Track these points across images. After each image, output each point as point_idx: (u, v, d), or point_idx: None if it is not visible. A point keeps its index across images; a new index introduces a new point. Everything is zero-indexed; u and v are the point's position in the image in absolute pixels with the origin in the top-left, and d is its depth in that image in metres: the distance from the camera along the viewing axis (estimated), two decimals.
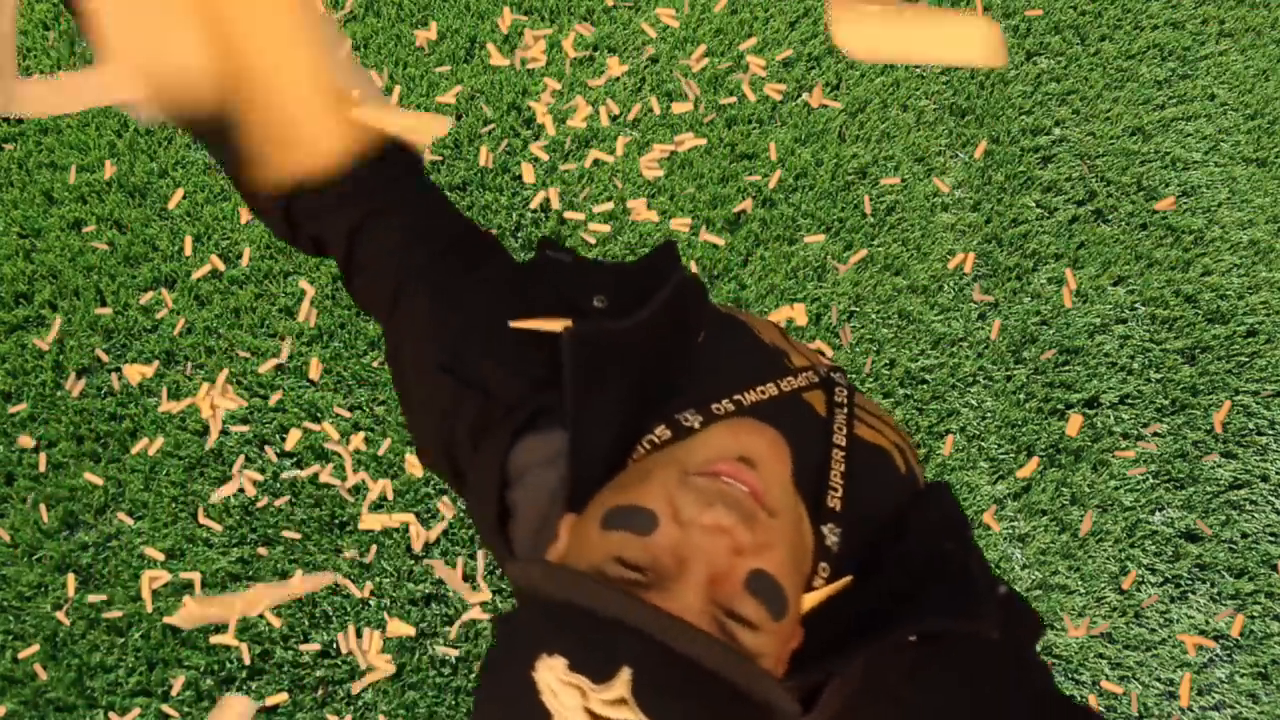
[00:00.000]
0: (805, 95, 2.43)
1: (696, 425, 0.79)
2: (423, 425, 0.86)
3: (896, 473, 0.85)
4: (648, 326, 0.81)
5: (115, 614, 2.02)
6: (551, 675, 0.56)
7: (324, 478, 2.10)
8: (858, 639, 0.69)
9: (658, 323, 0.82)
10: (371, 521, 2.07)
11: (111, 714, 1.97)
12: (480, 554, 2.07)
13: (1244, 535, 2.12)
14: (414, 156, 0.92)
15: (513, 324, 0.82)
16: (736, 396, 0.82)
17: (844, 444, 0.82)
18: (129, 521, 2.07)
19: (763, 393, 0.83)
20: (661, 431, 0.78)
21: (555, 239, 0.89)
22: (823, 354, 0.84)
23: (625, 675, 0.55)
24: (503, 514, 0.80)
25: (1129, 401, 2.20)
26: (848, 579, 0.76)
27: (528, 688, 0.57)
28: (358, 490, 2.10)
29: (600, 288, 0.85)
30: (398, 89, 2.38)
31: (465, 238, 0.91)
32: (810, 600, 0.74)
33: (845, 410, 0.85)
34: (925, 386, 2.20)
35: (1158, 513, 2.13)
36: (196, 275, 2.23)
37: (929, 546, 0.78)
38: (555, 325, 0.80)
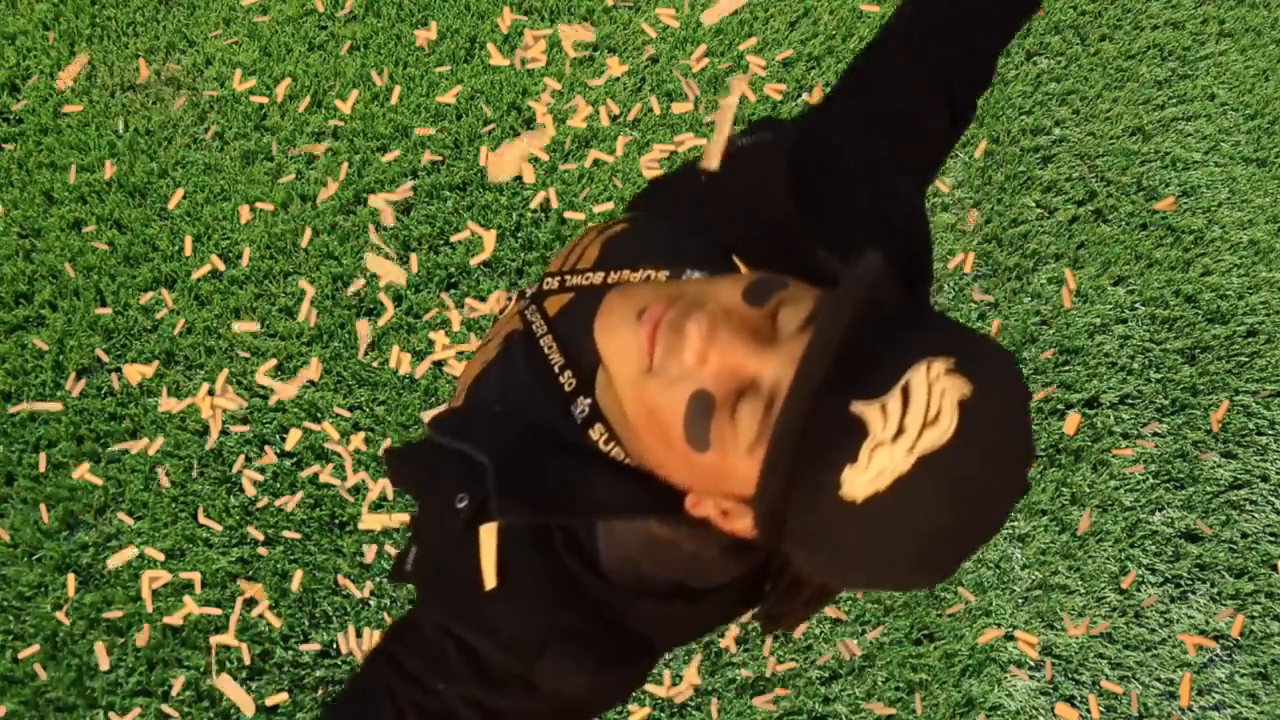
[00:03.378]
0: (805, 95, 2.43)
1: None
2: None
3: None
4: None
5: (115, 614, 2.02)
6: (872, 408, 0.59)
7: (324, 478, 2.10)
8: None
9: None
10: (371, 521, 2.07)
11: (111, 714, 1.97)
12: None
13: (1244, 535, 2.12)
14: None
15: None
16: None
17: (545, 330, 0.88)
18: (129, 521, 2.07)
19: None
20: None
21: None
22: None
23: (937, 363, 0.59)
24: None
25: (1129, 401, 2.20)
26: None
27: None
28: (358, 490, 2.10)
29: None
30: (398, 89, 2.38)
31: None
32: None
33: (533, 307, 0.91)
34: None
35: (1158, 513, 2.13)
36: (196, 275, 2.23)
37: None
38: None
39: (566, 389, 0.82)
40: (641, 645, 0.80)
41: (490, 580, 0.77)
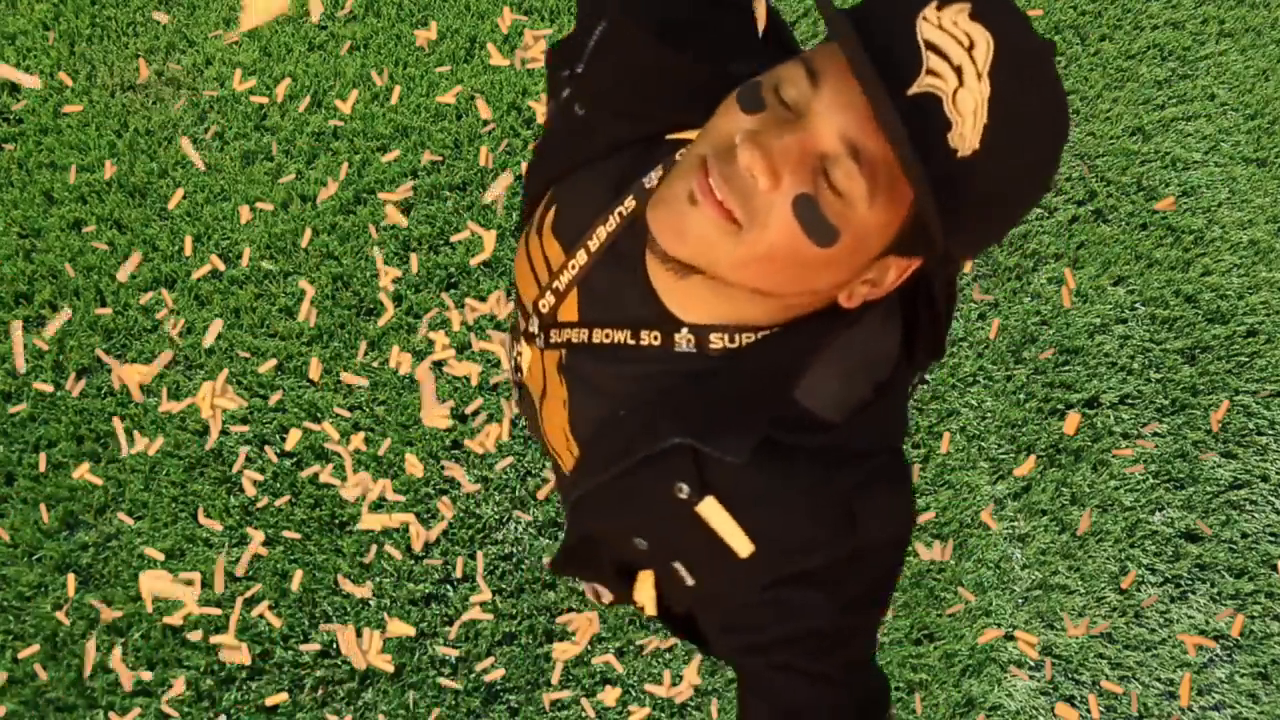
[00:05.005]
0: None
1: None
2: None
3: None
4: None
5: (115, 614, 2.02)
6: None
7: (324, 478, 2.10)
8: None
9: None
10: (371, 521, 2.07)
11: (111, 714, 1.97)
12: (479, 554, 2.07)
13: (1244, 535, 2.12)
14: None
15: None
16: None
17: None
18: (129, 521, 2.07)
19: None
20: None
21: None
22: None
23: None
24: None
25: (1129, 401, 2.20)
26: None
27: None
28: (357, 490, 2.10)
29: None
30: (398, 89, 2.38)
31: None
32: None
33: None
34: (924, 386, 2.20)
35: (1158, 513, 2.13)
36: (196, 275, 2.23)
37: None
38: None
39: (658, 343, 0.81)
40: (897, 453, 0.83)
41: (743, 546, 0.77)
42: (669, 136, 0.85)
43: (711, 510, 0.77)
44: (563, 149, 0.91)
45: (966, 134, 0.63)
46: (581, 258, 0.86)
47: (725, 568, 0.78)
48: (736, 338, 0.79)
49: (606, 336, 0.83)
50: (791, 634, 0.79)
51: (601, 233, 0.84)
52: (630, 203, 0.83)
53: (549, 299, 0.89)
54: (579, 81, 0.88)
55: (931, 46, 0.63)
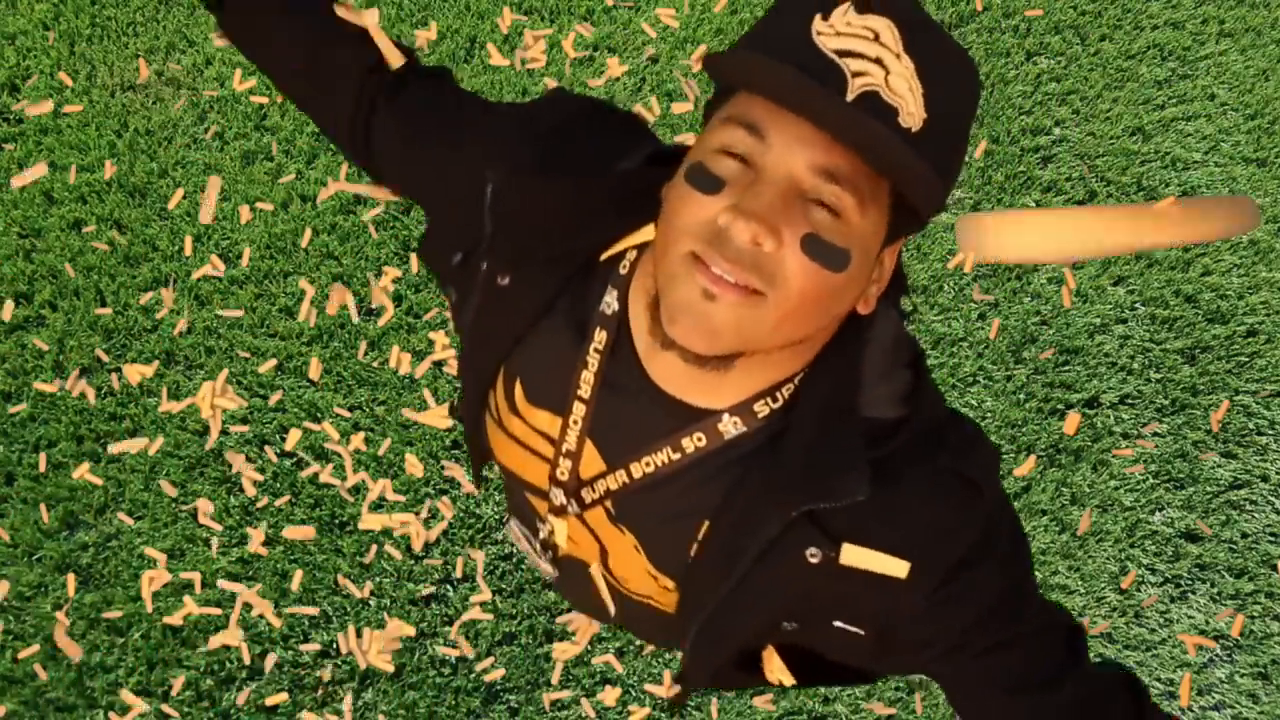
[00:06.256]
0: None
1: None
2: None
3: None
4: None
5: (115, 614, 2.02)
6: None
7: (324, 478, 2.10)
8: None
9: None
10: (371, 521, 2.07)
11: (111, 714, 1.97)
12: (480, 554, 2.07)
13: (1244, 535, 2.12)
14: None
15: None
16: None
17: None
18: (129, 521, 2.07)
19: None
20: None
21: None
22: None
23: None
24: None
25: (1129, 401, 2.20)
26: None
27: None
28: (358, 490, 2.10)
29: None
30: None
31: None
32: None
33: None
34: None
35: (1158, 513, 2.13)
36: (196, 275, 2.23)
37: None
38: None
39: (704, 443, 0.80)
40: (955, 413, 0.86)
41: (899, 567, 0.77)
42: (601, 258, 0.84)
43: (854, 555, 0.77)
44: (499, 326, 0.87)
45: (913, 110, 0.67)
46: (579, 410, 0.83)
47: (888, 597, 0.78)
48: (778, 395, 0.79)
49: (647, 465, 0.82)
50: (978, 618, 0.79)
51: (587, 377, 0.82)
52: (600, 335, 0.82)
53: (564, 464, 0.86)
54: (491, 252, 0.84)
55: (842, 53, 0.66)
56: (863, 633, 0.83)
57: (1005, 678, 0.81)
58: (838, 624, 0.82)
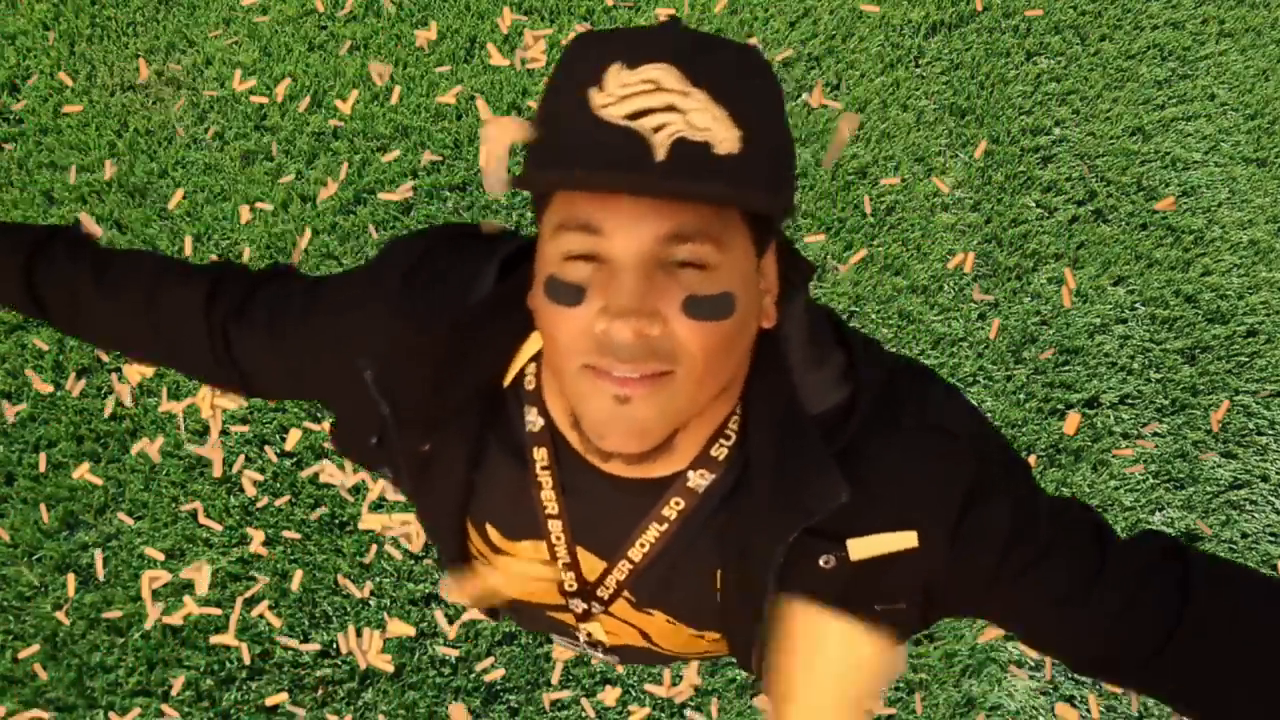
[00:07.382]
0: (805, 95, 2.43)
1: None
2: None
3: None
4: None
5: (115, 614, 2.02)
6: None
7: (324, 478, 2.10)
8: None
9: None
10: (371, 521, 2.07)
11: (111, 714, 1.97)
12: None
13: (1244, 535, 2.12)
14: None
15: None
16: None
17: None
18: (129, 521, 2.07)
19: None
20: None
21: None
22: None
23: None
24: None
25: (1129, 401, 2.20)
26: None
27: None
28: (358, 490, 2.10)
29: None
30: (398, 89, 2.38)
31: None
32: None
33: None
34: None
35: (1158, 513, 2.13)
36: None
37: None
38: None
39: (682, 505, 0.81)
40: (904, 366, 0.86)
41: (908, 540, 0.78)
42: (504, 384, 0.84)
43: (862, 547, 0.78)
44: (442, 488, 0.87)
45: (725, 135, 0.65)
46: (556, 526, 0.84)
47: (912, 567, 0.80)
48: (728, 432, 0.80)
49: (643, 546, 0.83)
50: (1004, 546, 0.80)
51: (548, 494, 0.83)
52: (540, 453, 0.82)
53: (568, 576, 0.88)
54: (400, 426, 0.84)
55: (633, 115, 0.64)
56: (904, 606, 0.84)
57: (1053, 590, 0.81)
58: (878, 607, 0.83)
